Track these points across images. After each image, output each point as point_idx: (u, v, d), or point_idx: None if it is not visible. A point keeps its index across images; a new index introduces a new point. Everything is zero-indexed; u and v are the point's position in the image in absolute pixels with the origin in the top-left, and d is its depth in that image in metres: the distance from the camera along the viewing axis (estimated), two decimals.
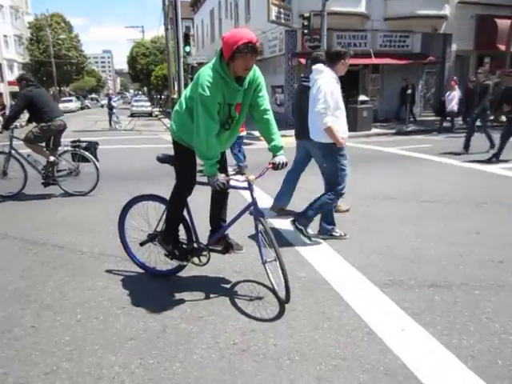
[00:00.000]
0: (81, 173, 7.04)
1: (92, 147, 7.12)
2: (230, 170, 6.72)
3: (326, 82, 4.23)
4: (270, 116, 3.28)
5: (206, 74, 2.96)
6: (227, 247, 3.49)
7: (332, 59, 4.37)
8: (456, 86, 14.25)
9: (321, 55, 5.02)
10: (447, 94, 14.73)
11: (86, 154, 6.91)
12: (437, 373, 2.45)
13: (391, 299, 3.29)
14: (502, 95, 9.16)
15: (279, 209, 5.61)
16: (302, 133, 5.08)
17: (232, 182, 3.21)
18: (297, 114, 5.45)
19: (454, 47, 20.99)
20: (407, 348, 2.69)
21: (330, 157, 4.43)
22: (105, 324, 3.04)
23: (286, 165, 3.25)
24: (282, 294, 3.18)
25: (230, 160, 6.42)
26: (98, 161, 7.01)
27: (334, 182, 4.48)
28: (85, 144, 7.09)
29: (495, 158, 8.92)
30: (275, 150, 3.26)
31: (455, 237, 4.62)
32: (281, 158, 3.22)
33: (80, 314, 3.17)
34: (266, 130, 3.28)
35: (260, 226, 3.19)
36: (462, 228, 4.90)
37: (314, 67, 4.47)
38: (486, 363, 2.53)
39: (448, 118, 15.24)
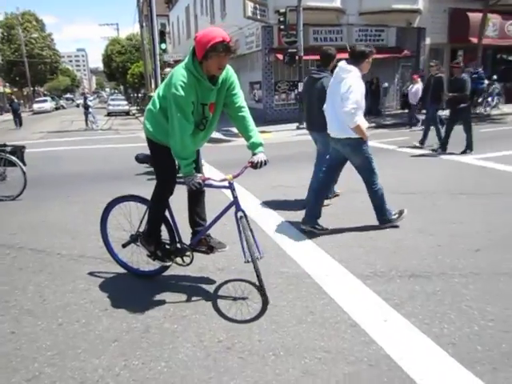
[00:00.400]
0: (8, 177, 6.92)
1: (18, 151, 6.97)
2: None
3: (356, 82, 4.29)
4: (246, 113, 3.25)
5: (179, 73, 2.93)
6: (210, 247, 3.46)
7: (357, 58, 4.44)
8: (419, 79, 14.28)
9: (329, 49, 5.41)
10: (410, 87, 14.85)
11: (13, 158, 6.77)
12: (420, 362, 2.50)
13: (373, 291, 3.33)
14: (450, 85, 9.52)
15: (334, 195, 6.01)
16: (311, 125, 5.52)
17: (211, 182, 3.19)
18: (306, 106, 5.71)
19: (428, 41, 21.30)
20: (390, 338, 2.74)
21: (359, 151, 4.56)
22: (87, 327, 3.00)
23: (266, 163, 3.19)
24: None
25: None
26: (25, 165, 6.86)
27: (369, 172, 4.73)
28: (10, 148, 6.93)
29: (467, 150, 9.17)
30: (254, 146, 3.22)
31: (434, 227, 4.71)
32: (259, 157, 3.17)
33: (61, 318, 3.13)
34: (242, 128, 3.26)
35: (241, 225, 3.15)
36: (440, 219, 4.99)
37: (340, 65, 4.46)
38: (467, 350, 2.59)
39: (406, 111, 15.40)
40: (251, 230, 3.17)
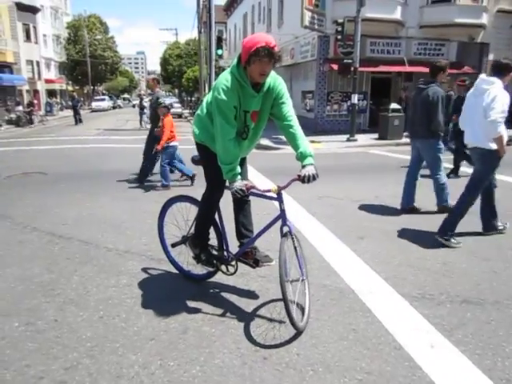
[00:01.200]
0: None
1: None
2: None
3: (500, 93, 4.32)
4: (294, 122, 3.10)
5: (223, 77, 2.92)
6: (256, 260, 3.33)
7: (502, 71, 4.50)
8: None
9: (438, 61, 5.71)
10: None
11: None
12: None
13: (421, 313, 3.16)
14: (453, 106, 8.63)
15: (410, 208, 6.00)
16: (414, 132, 5.83)
17: (254, 190, 3.05)
18: (412, 114, 5.96)
19: (491, 57, 20.39)
20: (437, 366, 2.57)
21: (488, 163, 4.58)
22: (126, 322, 3.02)
23: (315, 178, 2.90)
24: (299, 318, 2.94)
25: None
26: None
27: (478, 185, 4.68)
28: None
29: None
30: (302, 157, 3.00)
31: (488, 252, 4.43)
32: (308, 170, 2.91)
33: (102, 311, 3.17)
34: (291, 137, 3.10)
35: (286, 241, 2.97)
36: (496, 243, 4.69)
37: (482, 77, 4.56)
38: None
39: None
40: (295, 248, 3.01)
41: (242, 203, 3.42)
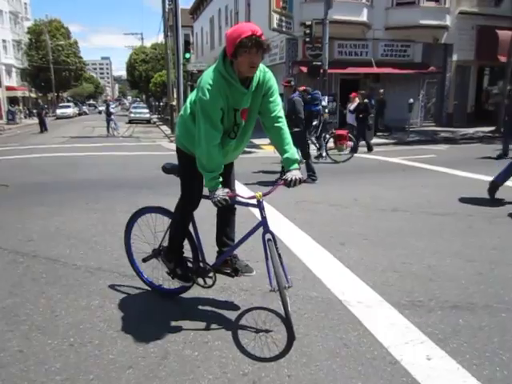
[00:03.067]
0: None
1: None
2: None
3: None
4: (283, 124, 2.90)
5: (207, 76, 2.67)
6: (235, 269, 3.15)
7: None
8: (357, 99, 13.31)
9: None
10: (349, 105, 13.82)
11: None
12: None
13: (412, 322, 3.03)
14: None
15: (495, 185, 6.48)
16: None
17: (238, 199, 2.91)
18: (508, 117, 6.63)
19: (454, 57, 20.95)
20: (435, 380, 2.43)
21: None
22: (100, 349, 2.76)
23: (301, 182, 2.81)
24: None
25: None
26: None
27: None
28: None
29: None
30: (288, 163, 2.86)
31: (472, 253, 4.38)
32: (294, 174, 2.80)
33: (73, 338, 2.89)
34: (277, 140, 2.92)
35: (268, 249, 2.82)
36: (478, 243, 4.66)
37: None
38: None
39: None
40: (279, 256, 2.85)
41: (227, 212, 3.21)
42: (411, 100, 16.69)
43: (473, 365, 2.57)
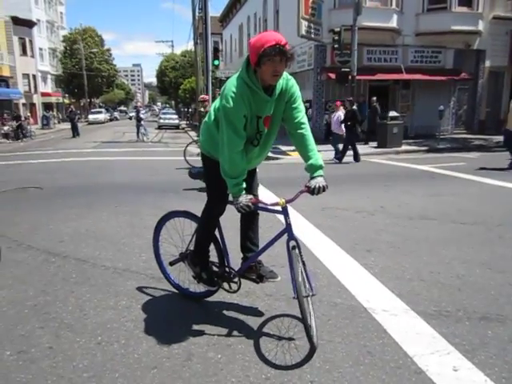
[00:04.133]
0: None
1: None
2: None
3: None
4: (306, 131, 2.89)
5: (231, 84, 2.71)
6: (260, 275, 3.15)
7: None
8: (341, 107, 13.10)
9: None
10: (333, 115, 13.56)
11: None
12: None
13: (439, 332, 2.97)
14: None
15: None
16: None
17: (261, 205, 2.92)
18: None
19: (487, 63, 20.48)
20: None
21: None
22: (126, 349, 2.82)
23: (325, 189, 2.79)
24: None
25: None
26: None
27: None
28: None
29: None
30: (312, 169, 2.85)
31: (503, 263, 4.26)
32: (318, 181, 2.78)
33: (100, 336, 2.97)
34: (301, 147, 2.91)
35: (293, 256, 2.79)
36: (509, 254, 4.52)
37: None
38: None
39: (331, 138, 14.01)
40: (304, 263, 2.85)
41: (250, 217, 3.22)
42: (441, 107, 16.35)
43: (502, 378, 2.51)
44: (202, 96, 13.42)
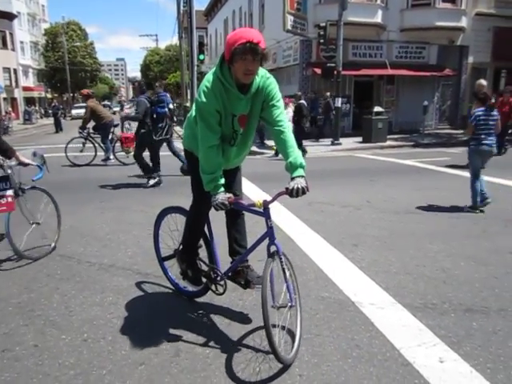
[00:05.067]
0: None
1: None
2: None
3: None
4: (284, 128, 2.76)
5: (206, 79, 2.66)
6: (247, 281, 3.04)
7: None
8: (291, 104, 13.22)
9: None
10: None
11: None
12: None
13: (425, 325, 3.01)
14: None
15: None
16: None
17: (241, 205, 2.79)
18: None
19: (470, 59, 20.68)
20: (447, 382, 2.42)
21: None
22: (113, 345, 2.79)
23: (305, 192, 2.56)
24: (287, 349, 2.65)
25: None
26: None
27: None
28: None
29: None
30: (292, 168, 2.66)
31: (487, 257, 4.32)
32: (297, 182, 2.57)
33: (87, 333, 2.93)
34: (281, 144, 2.79)
35: (273, 262, 2.64)
36: (493, 247, 4.59)
37: None
38: None
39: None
40: (283, 270, 2.68)
41: (234, 216, 3.16)
42: (426, 102, 16.50)
43: (487, 368, 2.55)
44: None
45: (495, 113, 6.12)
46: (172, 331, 2.95)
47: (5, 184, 4.01)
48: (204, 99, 2.60)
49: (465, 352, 2.71)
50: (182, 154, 9.23)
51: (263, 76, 2.74)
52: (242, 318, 3.12)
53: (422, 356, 2.65)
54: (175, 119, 8.41)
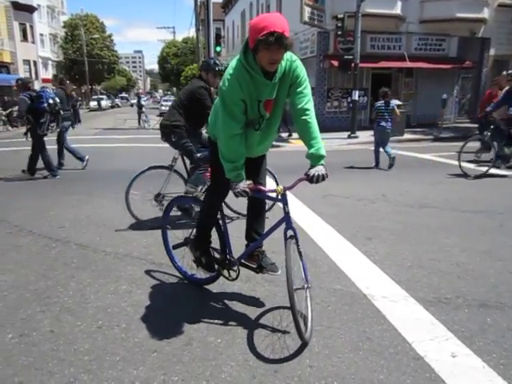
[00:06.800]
0: None
1: None
2: None
3: None
4: (310, 118, 2.73)
5: (230, 66, 2.62)
6: (260, 266, 3.10)
7: None
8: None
9: None
10: None
11: None
12: None
13: (438, 319, 2.98)
14: None
15: None
16: None
17: (261, 192, 2.85)
18: None
19: (492, 52, 20.27)
20: (460, 378, 2.39)
21: None
22: (127, 333, 2.84)
23: (324, 178, 2.66)
24: (303, 329, 2.71)
25: None
26: None
27: None
28: None
29: None
30: (313, 159, 2.71)
31: (503, 252, 4.26)
32: (318, 170, 2.65)
33: (101, 320, 2.99)
34: (304, 134, 2.78)
35: (288, 246, 2.72)
36: (509, 242, 4.52)
37: None
38: None
39: None
40: (300, 254, 2.79)
41: (256, 206, 3.19)
42: (445, 95, 16.22)
43: (500, 364, 2.52)
44: None
45: (391, 105, 9.15)
46: (185, 320, 2.98)
47: None
48: (228, 87, 2.57)
49: (478, 347, 2.68)
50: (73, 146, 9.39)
51: (288, 59, 2.67)
52: (254, 309, 3.14)
53: (434, 350, 2.63)
54: (62, 113, 8.63)
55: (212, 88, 5.04)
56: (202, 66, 5.20)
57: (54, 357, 2.59)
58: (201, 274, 3.45)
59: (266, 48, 2.40)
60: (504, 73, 9.44)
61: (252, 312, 3.10)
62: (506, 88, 8.36)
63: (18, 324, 2.94)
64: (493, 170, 8.19)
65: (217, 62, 5.03)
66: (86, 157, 9.44)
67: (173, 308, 3.17)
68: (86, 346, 2.69)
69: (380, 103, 9.14)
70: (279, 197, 2.79)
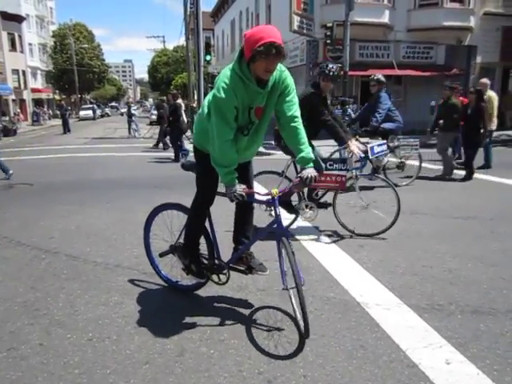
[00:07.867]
0: None
1: None
2: None
3: None
4: (298, 124, 2.89)
5: (223, 75, 2.70)
6: (250, 267, 3.16)
7: None
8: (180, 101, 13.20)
9: None
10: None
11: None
12: None
13: (431, 326, 2.97)
14: None
15: None
16: None
17: (255, 196, 2.94)
18: None
19: (478, 59, 20.52)
20: None
21: None
22: (118, 345, 2.79)
23: (316, 180, 2.85)
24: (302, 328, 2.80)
25: None
26: None
27: None
28: None
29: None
30: (303, 162, 2.87)
31: (494, 257, 4.27)
32: (309, 172, 2.83)
33: (91, 333, 2.94)
34: (292, 140, 2.91)
35: (282, 248, 2.83)
36: (501, 248, 4.54)
37: None
38: None
39: None
40: (293, 253, 2.79)
41: (245, 210, 3.24)
42: (433, 102, 16.36)
43: (493, 371, 2.51)
44: None
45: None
46: (177, 331, 2.94)
47: (342, 165, 4.98)
48: (223, 95, 2.64)
49: (471, 354, 2.68)
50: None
51: (278, 69, 2.80)
52: (247, 319, 3.11)
53: (428, 357, 2.62)
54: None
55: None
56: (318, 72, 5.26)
57: (43, 371, 2.53)
58: (186, 281, 3.45)
59: (264, 58, 2.51)
60: None
61: (245, 322, 3.07)
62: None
63: (6, 337, 2.88)
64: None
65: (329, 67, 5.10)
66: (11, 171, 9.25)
67: (165, 318, 3.13)
68: (76, 359, 2.64)
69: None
70: (271, 200, 2.85)
